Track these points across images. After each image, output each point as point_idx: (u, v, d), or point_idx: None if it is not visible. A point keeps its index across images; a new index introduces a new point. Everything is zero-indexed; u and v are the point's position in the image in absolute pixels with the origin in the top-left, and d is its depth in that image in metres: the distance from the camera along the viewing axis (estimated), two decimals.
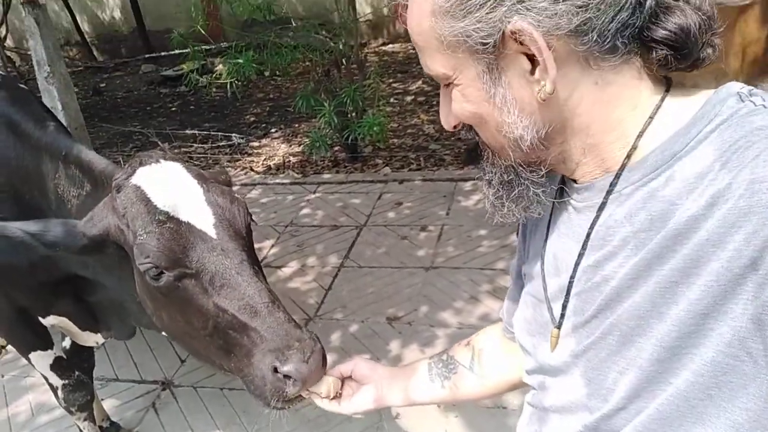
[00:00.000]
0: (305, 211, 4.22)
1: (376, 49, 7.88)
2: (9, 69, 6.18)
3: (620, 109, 0.70)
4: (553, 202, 0.81)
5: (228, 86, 4.16)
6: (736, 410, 0.63)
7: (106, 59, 9.15)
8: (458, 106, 0.75)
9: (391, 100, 6.05)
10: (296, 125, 5.83)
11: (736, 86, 0.68)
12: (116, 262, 1.38)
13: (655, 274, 0.66)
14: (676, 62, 0.67)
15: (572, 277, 0.76)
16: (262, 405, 1.17)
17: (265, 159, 5.25)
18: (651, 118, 0.70)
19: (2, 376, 2.98)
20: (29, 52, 5.08)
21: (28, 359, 2.07)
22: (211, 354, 1.29)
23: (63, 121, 4.30)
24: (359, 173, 4.68)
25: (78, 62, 9.06)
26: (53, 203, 1.60)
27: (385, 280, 3.31)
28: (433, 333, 2.87)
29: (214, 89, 5.14)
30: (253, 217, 1.37)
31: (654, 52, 0.67)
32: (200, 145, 5.58)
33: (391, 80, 6.59)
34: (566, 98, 0.69)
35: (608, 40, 0.65)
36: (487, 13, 0.65)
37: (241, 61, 4.05)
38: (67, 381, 2.14)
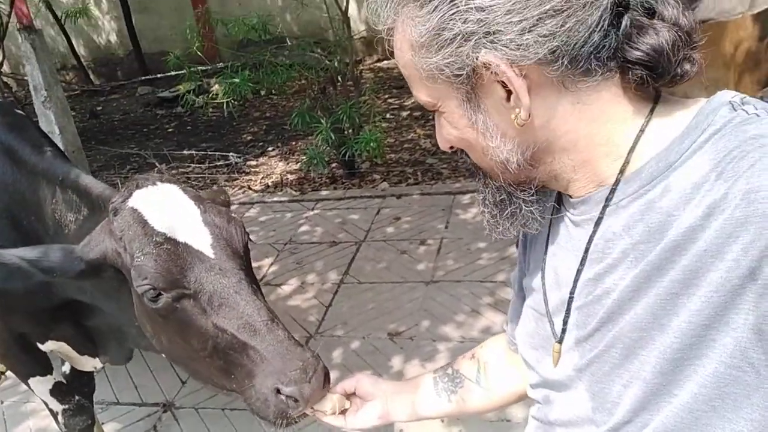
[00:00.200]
0: (304, 228, 4.22)
1: (371, 66, 7.93)
2: (6, 94, 6.20)
3: (608, 124, 0.70)
4: (551, 215, 0.81)
5: (224, 106, 4.18)
6: (741, 421, 0.63)
7: (102, 82, 9.20)
8: (446, 132, 0.77)
9: (387, 115, 6.08)
10: (293, 143, 5.85)
11: (728, 95, 0.68)
12: (114, 286, 1.37)
13: (655, 285, 0.66)
14: (653, 81, 0.68)
15: (572, 290, 0.76)
16: (265, 425, 1.16)
17: (262, 177, 5.26)
18: (642, 131, 0.70)
19: (2, 402, 2.95)
20: (26, 78, 5.10)
21: (28, 385, 2.06)
22: (212, 375, 1.28)
23: (60, 144, 4.31)
24: (357, 189, 4.69)
25: (75, 86, 9.10)
26: (51, 228, 1.60)
27: (386, 295, 3.30)
28: (434, 347, 2.85)
29: (210, 109, 5.17)
30: (252, 236, 1.37)
31: (630, 72, 0.68)
32: (198, 165, 5.59)
33: (386, 96, 6.63)
34: (546, 120, 0.70)
35: (581, 63, 0.66)
36: (457, 48, 0.67)
37: (237, 80, 4.07)
38: (67, 406, 2.13)
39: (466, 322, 2.99)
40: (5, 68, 6.09)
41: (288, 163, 5.46)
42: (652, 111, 0.71)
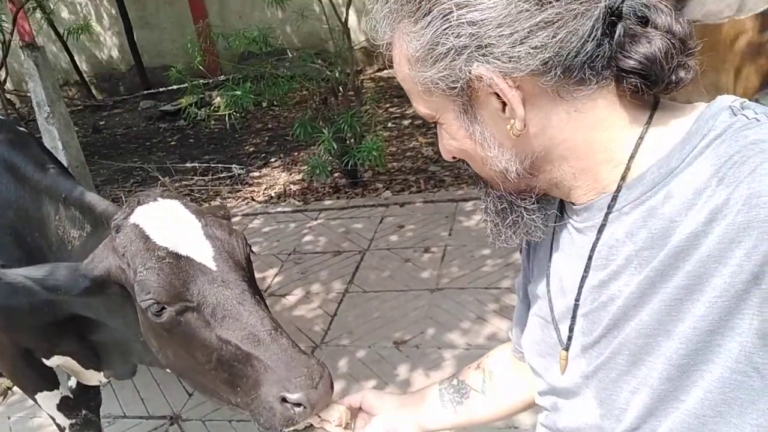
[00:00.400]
0: (308, 238, 4.22)
1: (372, 76, 7.96)
2: (9, 111, 6.24)
3: (606, 132, 0.71)
4: (554, 222, 0.81)
5: (226, 118, 4.19)
6: (747, 427, 0.63)
7: (105, 97, 9.24)
8: (446, 142, 0.79)
9: (389, 124, 6.09)
10: (295, 153, 5.86)
11: (728, 99, 0.68)
12: (119, 302, 1.37)
13: (659, 291, 0.66)
14: (647, 88, 0.68)
15: (577, 297, 0.76)
16: None
17: (265, 188, 5.27)
18: (641, 138, 0.70)
19: (9, 418, 2.95)
20: (29, 94, 5.14)
21: (35, 400, 2.06)
22: (217, 388, 1.28)
23: (64, 160, 4.34)
24: (360, 198, 4.69)
25: (77, 101, 9.15)
26: (54, 245, 1.60)
27: (391, 303, 3.30)
28: (440, 355, 2.84)
29: (212, 122, 5.18)
30: (256, 247, 1.38)
31: (624, 81, 0.68)
32: (201, 178, 5.60)
33: (387, 105, 6.65)
34: (542, 130, 0.71)
35: (575, 73, 0.67)
36: (450, 62, 0.68)
37: (238, 92, 4.09)
38: (74, 420, 2.13)
39: (471, 329, 2.98)
40: (8, 85, 6.14)
41: (291, 174, 5.47)
42: (650, 118, 0.71)
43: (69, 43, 8.32)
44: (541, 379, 0.87)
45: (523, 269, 0.96)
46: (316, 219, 4.46)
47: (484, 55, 0.66)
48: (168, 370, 1.43)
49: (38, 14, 6.71)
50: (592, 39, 0.65)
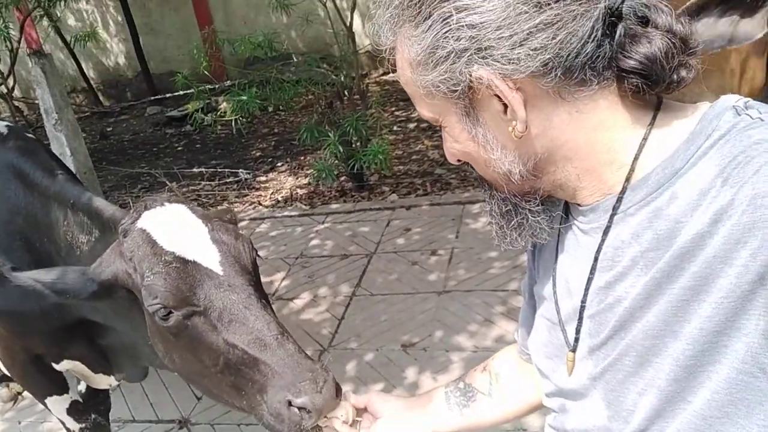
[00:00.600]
0: (315, 242, 4.22)
1: (377, 79, 7.96)
2: (17, 118, 6.29)
3: (608, 132, 0.71)
4: (560, 224, 0.81)
5: (233, 123, 4.21)
6: (754, 427, 0.63)
7: (112, 104, 9.30)
8: (449, 145, 0.79)
9: (394, 128, 6.09)
10: (302, 158, 5.87)
11: (731, 99, 0.68)
12: (127, 306, 1.38)
13: (666, 293, 0.66)
14: (648, 88, 0.68)
15: (584, 299, 0.76)
16: None
17: (272, 193, 5.28)
18: (645, 138, 0.70)
19: (19, 422, 2.96)
20: (37, 101, 5.18)
21: (45, 404, 2.07)
22: (224, 392, 1.28)
23: (72, 166, 4.37)
24: (366, 201, 4.69)
25: (85, 108, 9.21)
26: (62, 250, 1.62)
27: (398, 306, 3.30)
28: (448, 358, 2.84)
29: (219, 127, 5.21)
30: (263, 251, 1.39)
31: (626, 81, 0.68)
32: (208, 183, 5.62)
33: (393, 108, 6.65)
34: (544, 131, 0.71)
35: (576, 74, 0.67)
36: (451, 65, 0.69)
37: (244, 98, 4.10)
38: (84, 425, 2.13)
39: (479, 331, 2.97)
40: (16, 92, 6.18)
41: (297, 178, 5.48)
42: (654, 118, 0.71)
43: (76, 50, 8.38)
44: (549, 381, 0.87)
45: (528, 271, 0.96)
46: (322, 223, 4.47)
47: (483, 57, 0.67)
48: (175, 373, 1.44)
49: (45, 22, 6.77)
50: (592, 40, 0.65)
